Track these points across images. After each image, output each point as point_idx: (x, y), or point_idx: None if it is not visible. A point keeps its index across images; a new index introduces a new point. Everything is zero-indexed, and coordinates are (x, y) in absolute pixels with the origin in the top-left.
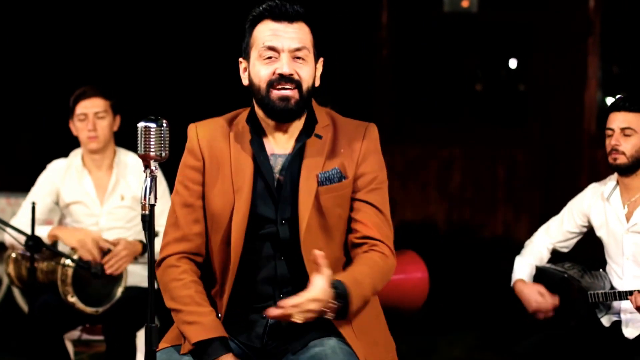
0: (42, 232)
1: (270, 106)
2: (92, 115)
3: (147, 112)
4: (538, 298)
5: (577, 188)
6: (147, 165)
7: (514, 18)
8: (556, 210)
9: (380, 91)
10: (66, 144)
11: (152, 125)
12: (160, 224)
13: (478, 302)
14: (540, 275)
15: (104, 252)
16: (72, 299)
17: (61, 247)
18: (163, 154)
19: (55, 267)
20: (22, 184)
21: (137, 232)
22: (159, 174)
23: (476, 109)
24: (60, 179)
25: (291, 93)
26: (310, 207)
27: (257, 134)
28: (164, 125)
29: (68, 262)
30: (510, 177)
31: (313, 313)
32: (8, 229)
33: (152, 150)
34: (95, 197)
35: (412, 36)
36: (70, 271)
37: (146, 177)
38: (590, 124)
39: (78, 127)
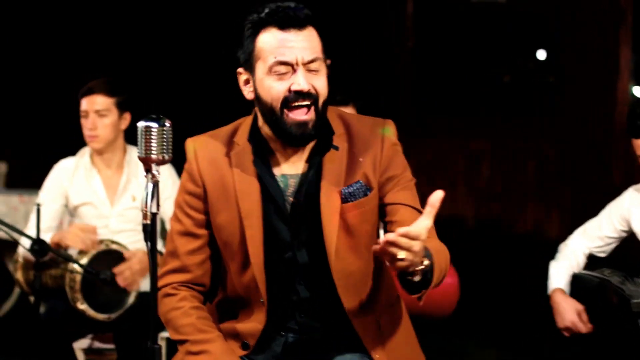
0: (46, 239)
1: (286, 132)
2: (92, 113)
3: (159, 110)
4: (574, 318)
5: (609, 182)
6: (148, 169)
7: (543, 8)
8: (588, 206)
9: (405, 83)
10: (81, 140)
11: (154, 125)
12: None
13: (509, 302)
14: (577, 282)
15: (118, 260)
16: (82, 305)
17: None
18: (166, 157)
19: (63, 272)
20: (36, 180)
21: None
22: (174, 174)
23: (505, 102)
24: (68, 179)
25: (308, 117)
26: (337, 227)
27: (262, 152)
28: (167, 124)
29: (76, 267)
30: (540, 172)
31: (414, 254)
32: (13, 233)
33: (153, 152)
34: (105, 197)
35: (438, 26)
36: (78, 277)
37: (147, 182)
38: (622, 116)
39: (82, 124)
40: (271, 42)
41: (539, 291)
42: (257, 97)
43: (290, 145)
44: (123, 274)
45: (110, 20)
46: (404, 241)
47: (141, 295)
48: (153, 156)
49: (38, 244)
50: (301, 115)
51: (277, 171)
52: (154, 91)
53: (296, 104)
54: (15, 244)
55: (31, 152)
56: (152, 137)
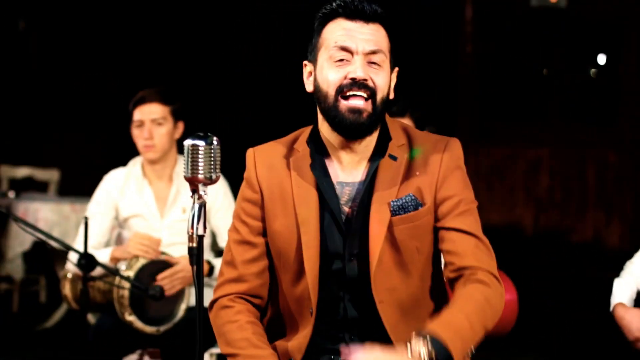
0: (104, 256)
1: (339, 119)
2: (148, 122)
3: (210, 122)
4: None
5: None
6: (194, 190)
7: (604, 13)
8: None
9: (464, 89)
10: (132, 149)
11: (201, 143)
12: (225, 240)
13: (568, 313)
14: None
15: (162, 268)
16: (130, 317)
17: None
18: (213, 176)
19: (111, 287)
20: (89, 189)
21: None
22: (225, 185)
23: (564, 108)
24: (119, 191)
25: (363, 105)
26: (382, 240)
27: (320, 157)
28: (215, 143)
29: (124, 282)
30: (600, 179)
31: None
32: (60, 246)
33: (200, 172)
34: (156, 209)
35: (498, 31)
36: (126, 293)
37: (194, 202)
38: None
39: (135, 135)
40: (335, 30)
41: (598, 301)
42: (316, 87)
43: (343, 136)
44: (164, 280)
45: (158, 32)
46: None
47: (190, 310)
48: (200, 176)
49: (85, 259)
50: (356, 101)
51: (334, 178)
52: (204, 102)
53: (351, 92)
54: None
55: (83, 160)
56: (200, 156)
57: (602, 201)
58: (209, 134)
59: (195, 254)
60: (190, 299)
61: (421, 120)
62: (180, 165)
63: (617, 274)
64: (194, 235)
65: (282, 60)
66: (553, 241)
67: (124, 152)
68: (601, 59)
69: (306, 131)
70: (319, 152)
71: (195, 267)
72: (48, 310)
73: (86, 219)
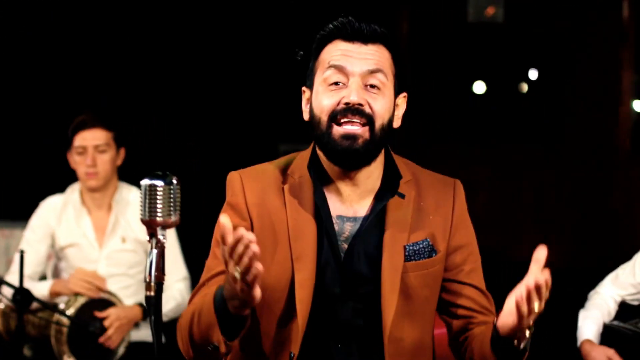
0: (43, 289)
1: (331, 145)
2: (91, 149)
3: (153, 148)
4: None
5: (610, 208)
6: (152, 234)
7: (542, 29)
8: (588, 232)
9: None
10: (68, 173)
11: (159, 182)
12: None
13: None
14: (610, 335)
15: (104, 306)
16: (70, 359)
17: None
18: (173, 219)
19: (47, 322)
20: (18, 213)
21: (140, 281)
22: (174, 234)
23: (501, 126)
24: (56, 218)
25: (359, 131)
26: (397, 288)
27: (320, 186)
28: (174, 182)
29: (63, 318)
30: (538, 198)
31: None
32: None
33: (158, 214)
34: (94, 239)
35: (434, 47)
36: (65, 329)
37: (151, 247)
38: (625, 140)
39: (77, 161)
40: (332, 51)
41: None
42: (311, 113)
43: (336, 164)
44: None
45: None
46: (544, 290)
47: (131, 346)
48: (158, 219)
49: (21, 294)
50: (350, 127)
51: (333, 211)
52: (155, 122)
53: (345, 119)
54: None
55: (12, 183)
56: (158, 196)
57: (539, 221)
58: (168, 172)
59: (154, 304)
60: (130, 334)
61: None
62: (121, 193)
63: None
64: (152, 284)
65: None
66: (491, 261)
67: (53, 175)
68: (537, 75)
69: (299, 156)
70: (321, 180)
71: (153, 317)
72: None
73: (22, 252)
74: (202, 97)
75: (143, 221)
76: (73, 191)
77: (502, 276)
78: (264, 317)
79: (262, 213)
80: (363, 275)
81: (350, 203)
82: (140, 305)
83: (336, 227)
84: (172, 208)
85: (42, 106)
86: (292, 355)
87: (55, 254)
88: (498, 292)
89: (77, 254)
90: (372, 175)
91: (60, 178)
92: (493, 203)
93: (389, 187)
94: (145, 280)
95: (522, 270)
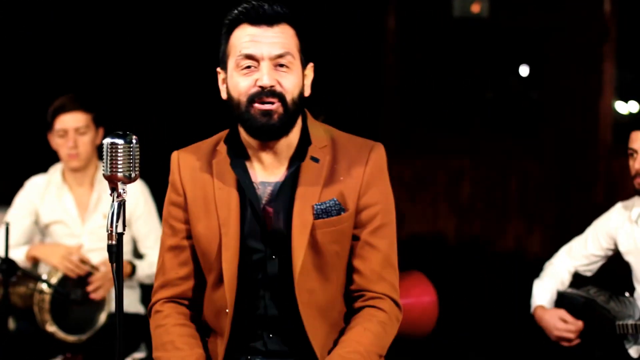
0: (19, 254)
1: (250, 122)
2: (72, 132)
3: (132, 124)
4: (559, 324)
5: (592, 200)
6: (114, 188)
7: (526, 24)
8: (570, 224)
9: (387, 99)
10: (48, 156)
11: (120, 141)
12: (146, 246)
13: (491, 321)
14: (562, 301)
15: (85, 276)
16: (52, 327)
17: (43, 267)
18: (132, 175)
19: (32, 291)
20: (4, 196)
21: (124, 254)
22: (146, 192)
23: (487, 118)
24: (39, 197)
25: (274, 107)
26: (306, 243)
27: (240, 157)
28: (134, 141)
29: (45, 287)
30: (522, 189)
31: None
32: None
33: (119, 170)
34: (77, 215)
35: (420, 42)
36: (47, 297)
37: (113, 200)
38: (606, 133)
39: (58, 143)
40: (241, 37)
41: (520, 307)
42: (228, 94)
43: (256, 138)
44: (92, 285)
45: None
46: None
47: (112, 316)
48: (119, 174)
49: (6, 263)
50: (267, 105)
51: (255, 178)
52: (123, 106)
53: (261, 101)
54: None
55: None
56: (118, 154)
57: (523, 211)
58: (128, 132)
59: (115, 252)
60: (111, 304)
61: (335, 125)
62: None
63: None
64: (113, 233)
65: (199, 62)
66: (475, 250)
67: (39, 157)
68: (524, 70)
69: (227, 133)
70: (239, 152)
71: (115, 264)
72: None
73: (7, 224)
74: (202, 97)
75: (105, 176)
76: (55, 171)
77: (485, 266)
78: (208, 280)
79: (194, 187)
80: (281, 232)
81: (272, 170)
82: (130, 262)
83: (259, 192)
84: (131, 165)
85: (42, 106)
86: (227, 312)
87: (40, 231)
88: (482, 281)
89: (61, 230)
90: (292, 143)
91: (43, 160)
92: (477, 194)
93: (301, 152)
94: (107, 231)
95: (506, 260)
